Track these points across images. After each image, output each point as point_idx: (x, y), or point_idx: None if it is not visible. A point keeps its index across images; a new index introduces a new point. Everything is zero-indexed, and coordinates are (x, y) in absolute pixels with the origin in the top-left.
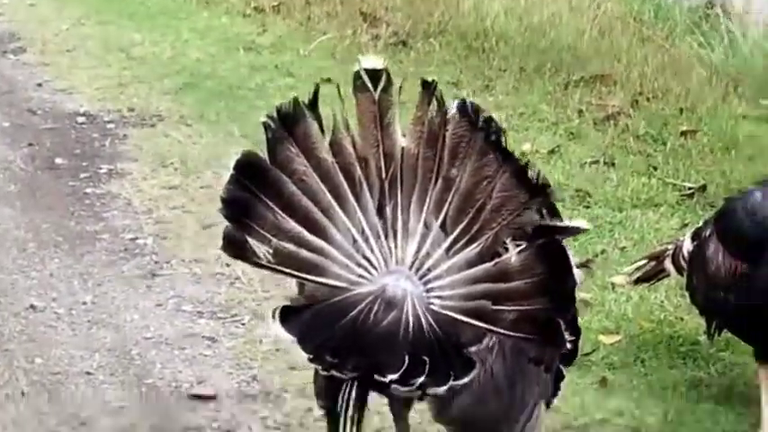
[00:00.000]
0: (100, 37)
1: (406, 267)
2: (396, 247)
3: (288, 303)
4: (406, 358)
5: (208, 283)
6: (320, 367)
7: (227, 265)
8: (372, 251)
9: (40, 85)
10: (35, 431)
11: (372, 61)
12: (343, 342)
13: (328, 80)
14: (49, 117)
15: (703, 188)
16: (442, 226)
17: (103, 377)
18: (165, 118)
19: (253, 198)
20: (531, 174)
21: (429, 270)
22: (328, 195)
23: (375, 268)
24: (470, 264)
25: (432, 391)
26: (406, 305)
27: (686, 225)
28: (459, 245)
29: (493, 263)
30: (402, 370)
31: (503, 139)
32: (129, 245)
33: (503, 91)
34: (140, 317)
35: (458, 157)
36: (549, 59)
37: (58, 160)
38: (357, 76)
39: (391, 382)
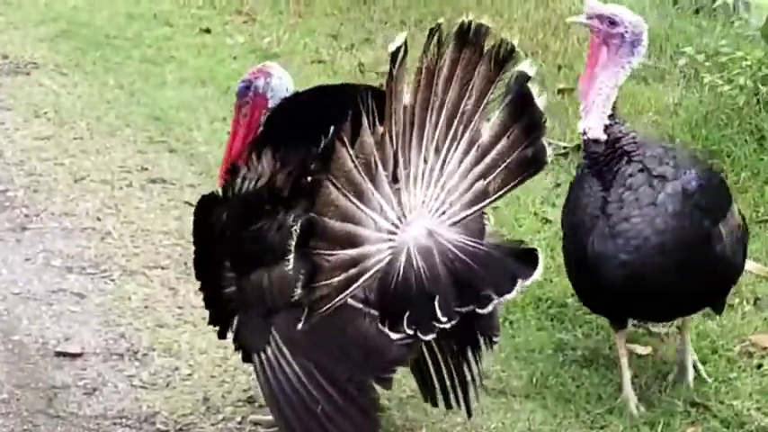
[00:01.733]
0: None
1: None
2: (410, 198)
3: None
4: (487, 278)
5: (78, 238)
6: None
7: (99, 219)
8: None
9: None
10: None
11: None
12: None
13: (207, 30)
14: None
15: (578, 148)
16: (436, 149)
17: None
18: (39, 66)
19: None
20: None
21: (438, 197)
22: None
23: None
24: (461, 161)
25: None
26: (438, 243)
27: (559, 185)
28: (450, 154)
29: (475, 147)
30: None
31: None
32: None
33: (383, 44)
34: (8, 271)
35: (449, 79)
36: (429, 13)
37: None
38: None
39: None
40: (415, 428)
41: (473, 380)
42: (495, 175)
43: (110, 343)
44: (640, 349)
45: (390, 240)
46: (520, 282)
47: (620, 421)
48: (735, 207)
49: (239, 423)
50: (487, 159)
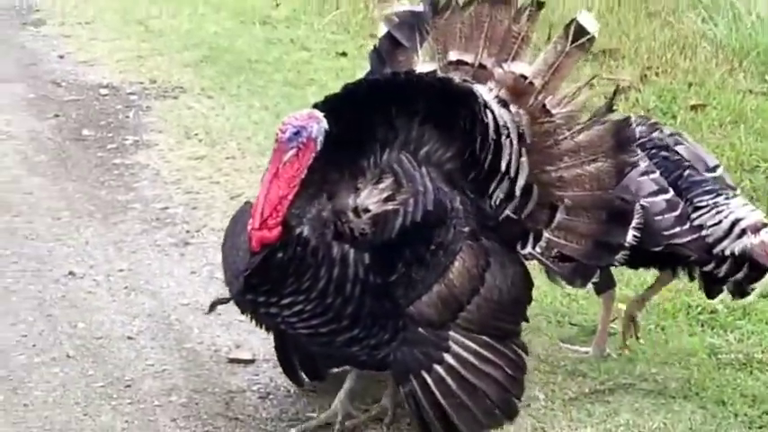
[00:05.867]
0: (117, 9)
1: None
2: None
3: None
4: None
5: None
6: None
7: None
8: None
9: (62, 57)
10: (83, 392)
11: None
12: None
13: (344, 54)
14: (73, 89)
15: None
16: None
17: (144, 341)
18: (186, 90)
19: None
20: None
21: None
22: None
23: None
24: None
25: None
26: None
27: None
28: None
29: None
30: None
31: None
32: (160, 214)
33: None
34: (176, 284)
35: None
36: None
37: (85, 131)
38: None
39: None
40: (579, 428)
41: None
42: None
43: None
44: None
45: None
46: None
47: None
48: None
49: (408, 424)
50: None
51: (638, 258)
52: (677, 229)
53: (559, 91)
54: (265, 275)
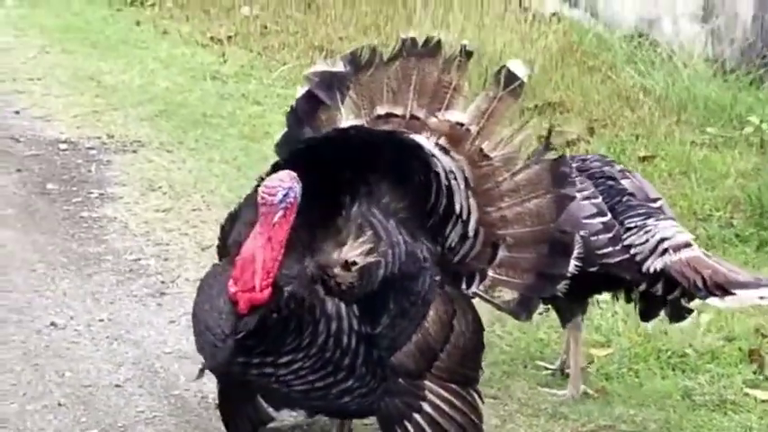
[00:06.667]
0: (67, 65)
1: None
2: None
3: None
4: None
5: None
6: None
7: None
8: None
9: (17, 112)
10: None
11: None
12: None
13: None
14: (32, 144)
15: None
16: None
17: (132, 389)
18: (144, 144)
19: None
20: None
21: None
22: None
23: None
24: None
25: None
26: None
27: None
28: None
29: None
30: None
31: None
32: (133, 265)
33: None
34: (156, 333)
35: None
36: None
37: (49, 185)
38: None
39: None
40: None
41: None
42: None
43: None
44: None
45: None
46: None
47: None
48: None
49: None
50: None
51: (576, 283)
52: (609, 249)
53: (495, 135)
54: (263, 336)
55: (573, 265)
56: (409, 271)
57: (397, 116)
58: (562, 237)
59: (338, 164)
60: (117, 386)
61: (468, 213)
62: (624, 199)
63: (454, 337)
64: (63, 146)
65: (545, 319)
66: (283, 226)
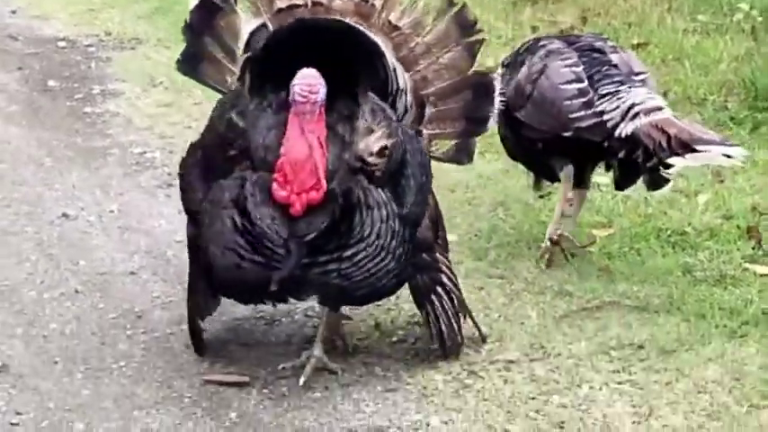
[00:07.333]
0: None
1: None
2: None
3: None
4: None
5: None
6: None
7: None
8: None
9: (14, 12)
10: (97, 323)
11: None
12: None
13: None
14: (31, 42)
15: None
16: None
17: (147, 276)
18: (142, 41)
19: None
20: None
21: None
22: None
23: None
24: None
25: None
26: None
27: None
28: None
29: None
30: None
31: None
32: (139, 158)
33: None
34: (166, 222)
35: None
36: None
37: (51, 82)
38: None
39: None
40: (573, 342)
41: None
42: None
43: None
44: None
45: None
46: None
47: (757, 330)
48: None
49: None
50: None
51: (552, 148)
52: (581, 113)
53: (398, 5)
54: (331, 233)
55: (499, 102)
56: (414, 146)
57: (299, 6)
58: (482, 79)
59: (314, 53)
60: (132, 273)
61: (406, 85)
62: (604, 69)
63: (436, 206)
64: (62, 44)
65: (546, 202)
66: (321, 122)
